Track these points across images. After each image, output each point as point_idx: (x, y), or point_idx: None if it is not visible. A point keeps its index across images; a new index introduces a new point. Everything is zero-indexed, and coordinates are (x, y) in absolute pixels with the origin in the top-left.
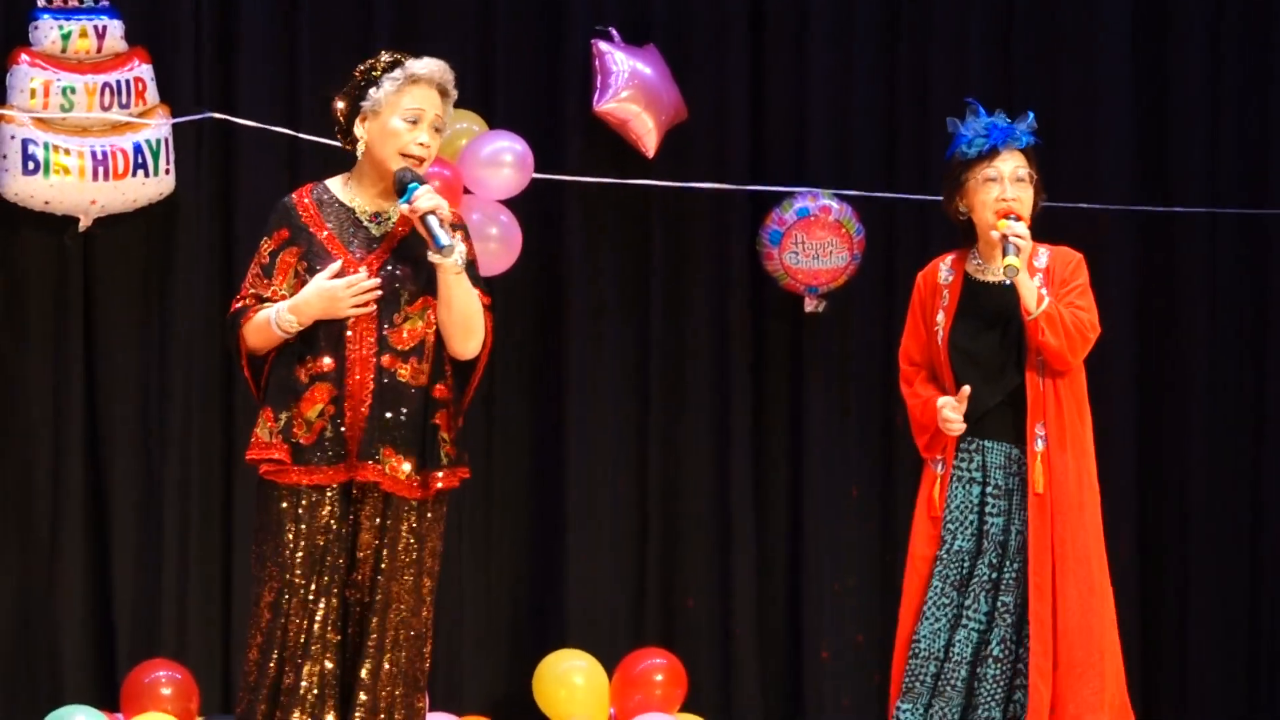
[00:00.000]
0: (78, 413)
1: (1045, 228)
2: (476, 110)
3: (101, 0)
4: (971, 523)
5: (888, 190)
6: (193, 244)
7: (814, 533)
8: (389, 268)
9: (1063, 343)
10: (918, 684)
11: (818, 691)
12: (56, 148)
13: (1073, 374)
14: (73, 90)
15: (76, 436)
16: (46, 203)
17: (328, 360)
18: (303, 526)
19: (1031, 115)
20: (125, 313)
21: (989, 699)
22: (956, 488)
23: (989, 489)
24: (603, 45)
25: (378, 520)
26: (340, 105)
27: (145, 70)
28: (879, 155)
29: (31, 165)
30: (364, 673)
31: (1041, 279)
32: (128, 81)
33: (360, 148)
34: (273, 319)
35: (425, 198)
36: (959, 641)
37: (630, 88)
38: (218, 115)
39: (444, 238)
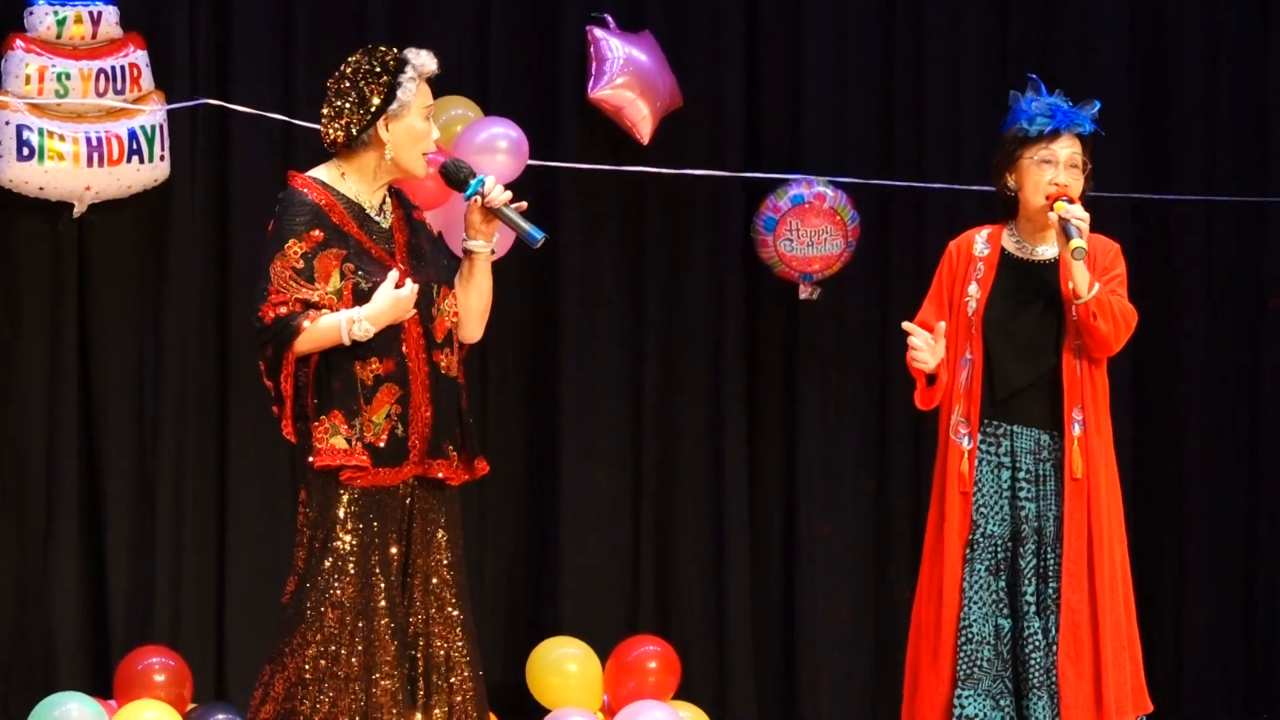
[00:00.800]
0: (72, 399)
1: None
2: (471, 97)
3: None
4: (1003, 508)
5: (883, 178)
6: (187, 230)
7: (808, 519)
8: (413, 261)
9: (1111, 330)
10: (976, 670)
11: (811, 678)
12: (51, 134)
13: (1102, 361)
14: (68, 76)
15: (71, 423)
16: (41, 189)
17: (387, 360)
18: (375, 525)
19: (1098, 104)
20: (120, 299)
21: (1054, 684)
22: (985, 470)
23: (1019, 474)
24: (598, 32)
25: (432, 513)
26: (358, 104)
27: (140, 56)
28: (874, 142)
29: (26, 151)
30: (442, 664)
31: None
32: (123, 67)
33: (387, 151)
34: (345, 327)
35: (499, 190)
36: (1036, 632)
37: (625, 74)
38: (213, 101)
39: (537, 231)
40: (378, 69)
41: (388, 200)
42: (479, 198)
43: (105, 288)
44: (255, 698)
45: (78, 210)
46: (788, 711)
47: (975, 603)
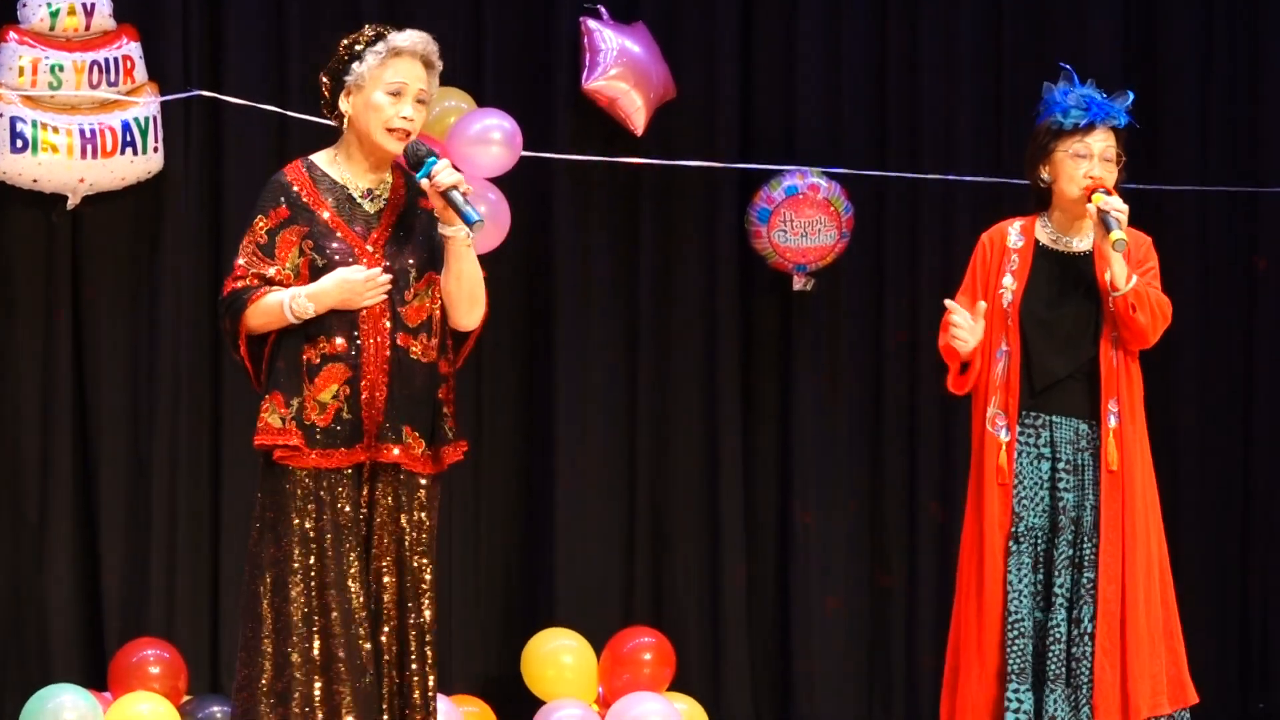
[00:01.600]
0: (66, 391)
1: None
2: (465, 88)
3: None
4: (1043, 499)
5: (877, 168)
6: (181, 222)
7: (803, 511)
8: (393, 246)
9: (1149, 322)
10: (1024, 663)
11: (806, 669)
12: (45, 125)
13: (1135, 351)
14: (61, 68)
15: (65, 415)
16: (35, 181)
17: (340, 340)
18: (324, 511)
19: (1131, 95)
20: (114, 291)
21: (1089, 677)
22: (1024, 462)
23: (1059, 464)
24: (591, 23)
25: (392, 499)
26: (325, 79)
27: (134, 48)
28: (868, 133)
29: (20, 143)
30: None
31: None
32: (116, 59)
33: (345, 122)
34: (286, 303)
35: (446, 172)
36: (1059, 622)
37: (619, 65)
38: (206, 93)
39: (473, 212)
40: (347, 44)
41: (387, 184)
42: (428, 179)
43: (99, 279)
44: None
45: (72, 202)
46: (782, 702)
47: (1024, 596)
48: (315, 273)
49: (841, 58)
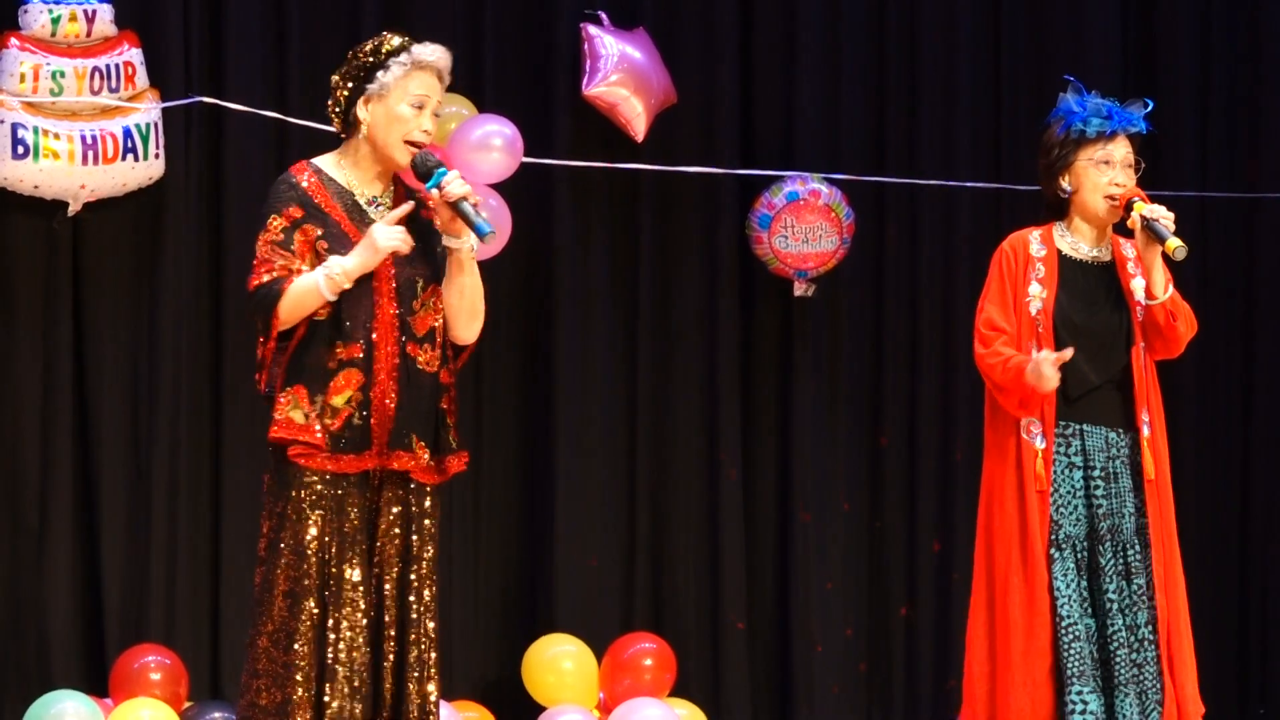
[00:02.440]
0: (66, 397)
1: (1034, 211)
2: (466, 94)
3: None
4: (1078, 507)
5: (877, 174)
6: (182, 228)
7: (803, 515)
8: (400, 255)
9: (1187, 330)
10: (1086, 666)
11: (807, 676)
12: (46, 132)
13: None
14: (62, 74)
15: (65, 421)
16: (36, 187)
17: (357, 346)
18: (331, 518)
19: (1150, 103)
20: (114, 297)
21: (1155, 680)
22: (1058, 471)
23: (1093, 473)
24: (592, 29)
25: (399, 508)
26: (343, 84)
27: (135, 54)
28: (868, 139)
29: (21, 149)
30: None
31: (1134, 265)
32: (117, 66)
33: (362, 130)
34: (320, 279)
35: (457, 183)
36: (1119, 628)
37: (619, 71)
38: (207, 99)
39: (486, 224)
40: (370, 50)
41: (390, 193)
42: (438, 190)
43: (100, 286)
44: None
45: (73, 208)
46: (782, 708)
47: (1074, 600)
48: None
49: (842, 64)
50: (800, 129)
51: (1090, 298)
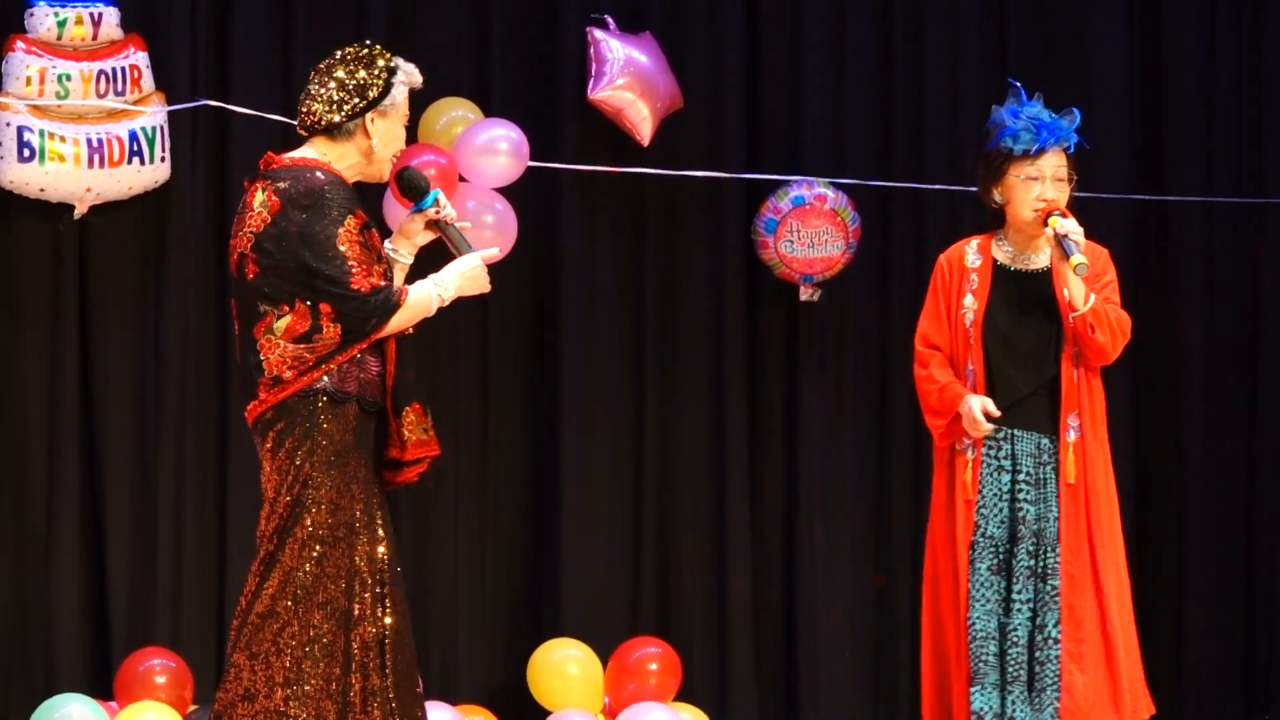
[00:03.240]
0: (73, 400)
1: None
2: (472, 98)
3: None
4: (1002, 510)
5: (883, 179)
6: (187, 231)
7: (809, 521)
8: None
9: (1109, 340)
10: (983, 666)
11: (812, 680)
12: (52, 135)
13: (1097, 367)
14: (68, 77)
15: (71, 424)
16: (42, 190)
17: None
18: (382, 511)
19: (1078, 114)
20: (120, 300)
21: (1054, 680)
22: (986, 474)
23: (1020, 477)
24: (598, 33)
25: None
26: (354, 93)
27: (141, 57)
28: (875, 144)
29: (27, 152)
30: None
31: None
32: (123, 69)
33: (367, 142)
34: (434, 294)
35: (449, 206)
36: (1018, 627)
37: (625, 75)
38: (213, 103)
39: (468, 247)
40: (379, 62)
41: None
42: (435, 210)
43: (106, 289)
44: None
45: (78, 211)
46: (788, 713)
47: (979, 601)
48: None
49: (848, 68)
50: (806, 133)
51: (1021, 307)
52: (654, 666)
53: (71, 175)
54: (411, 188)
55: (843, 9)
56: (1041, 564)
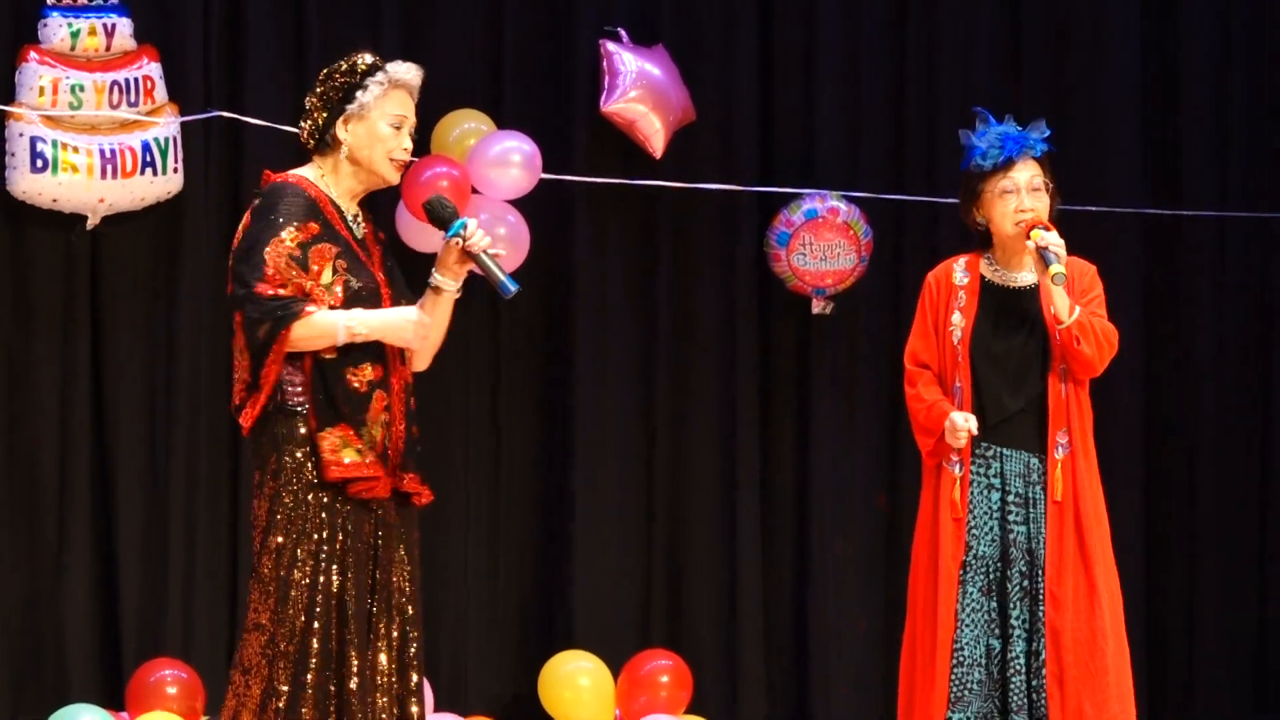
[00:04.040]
0: (84, 411)
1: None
2: (485, 110)
3: None
4: (992, 529)
5: (896, 192)
6: (200, 243)
7: (821, 533)
8: (388, 276)
9: (1094, 352)
10: (966, 692)
11: (824, 692)
12: (65, 145)
13: (1085, 384)
14: (81, 88)
15: (83, 435)
16: (54, 200)
17: (377, 366)
18: (351, 539)
19: (1044, 122)
20: (132, 311)
21: (1042, 705)
22: (975, 493)
23: (1009, 496)
24: (611, 45)
25: (396, 529)
26: (317, 104)
27: (154, 68)
28: (887, 157)
29: (40, 163)
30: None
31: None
32: (136, 80)
33: (343, 151)
34: (342, 327)
35: (480, 234)
36: (1018, 654)
37: (638, 88)
38: (226, 114)
39: (510, 282)
40: (345, 70)
41: (360, 213)
42: (460, 239)
43: (118, 300)
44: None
45: (91, 222)
46: None
47: (967, 624)
48: (349, 292)
49: (861, 81)
50: (819, 146)
51: (1008, 324)
52: (665, 679)
53: (84, 186)
54: (435, 216)
55: (856, 22)
56: (1034, 586)
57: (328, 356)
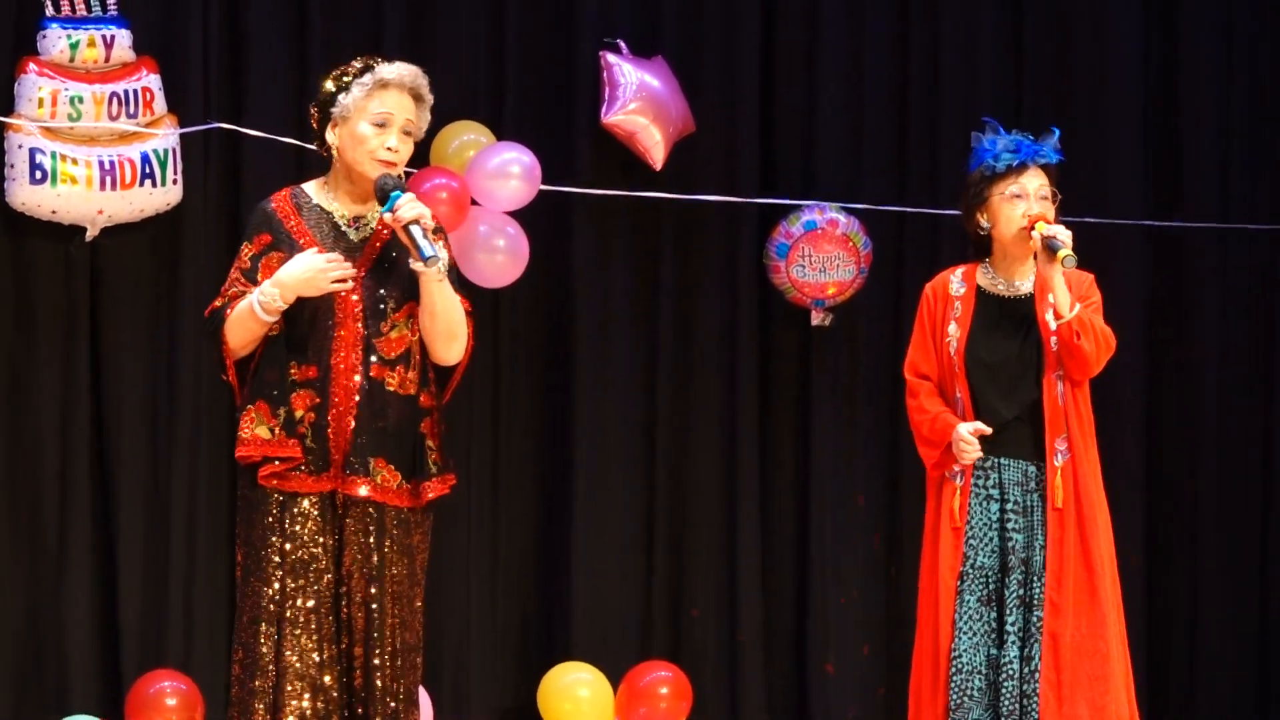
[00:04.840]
0: (85, 422)
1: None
2: (485, 122)
3: (110, 9)
4: (992, 539)
5: (895, 204)
6: (199, 254)
7: (820, 545)
8: (374, 275)
9: (1094, 349)
10: (966, 699)
11: (823, 704)
12: (64, 157)
13: (1084, 387)
14: (80, 100)
15: (83, 446)
16: (54, 212)
17: (313, 368)
18: (287, 542)
19: (1057, 132)
20: (132, 323)
21: (1034, 712)
22: (975, 504)
23: (1008, 505)
24: (611, 57)
25: (366, 534)
26: (314, 112)
27: (153, 80)
28: (887, 169)
29: (39, 174)
30: (365, 689)
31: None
32: (135, 91)
33: (334, 154)
34: (254, 299)
35: (408, 207)
36: (1011, 659)
37: (638, 100)
38: (225, 125)
39: (428, 248)
40: (336, 76)
41: (375, 213)
42: (390, 214)
43: (118, 311)
44: None
45: (90, 234)
46: None
47: (965, 633)
48: (296, 301)
49: (862, 92)
50: (819, 158)
51: (1003, 332)
52: (665, 690)
53: (83, 197)
54: (379, 195)
55: (858, 33)
56: (1029, 593)
57: (274, 353)
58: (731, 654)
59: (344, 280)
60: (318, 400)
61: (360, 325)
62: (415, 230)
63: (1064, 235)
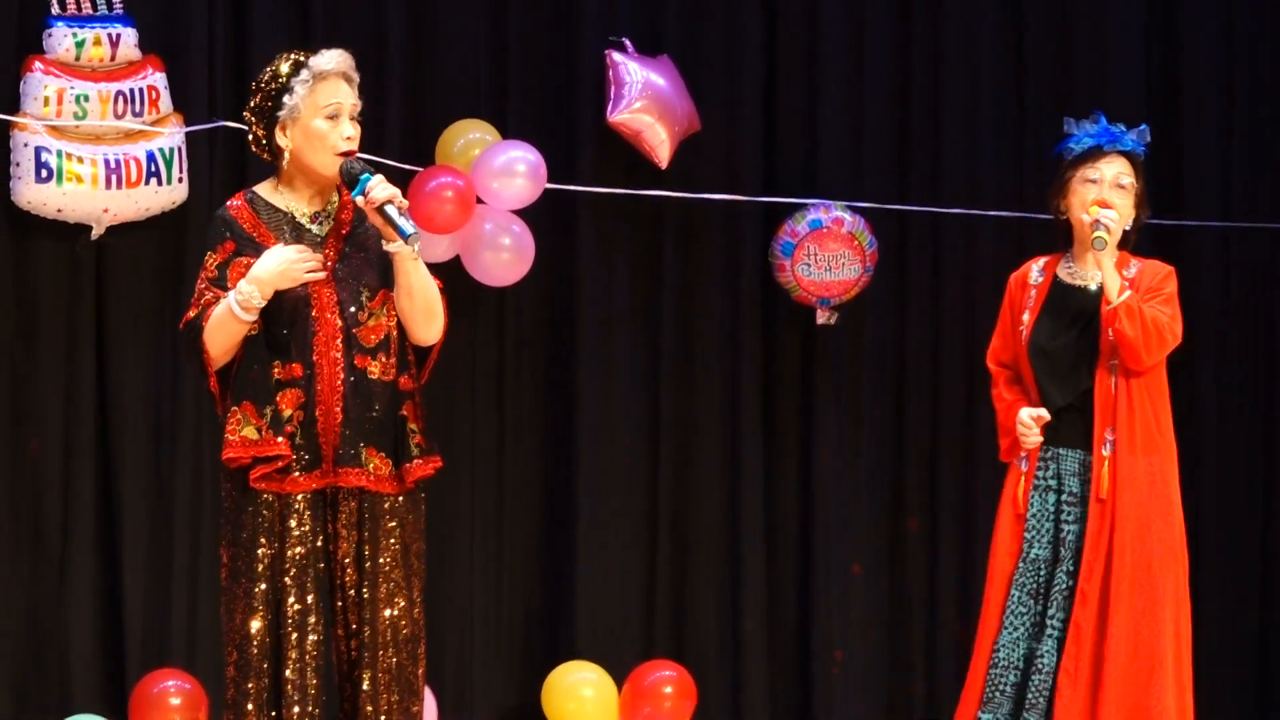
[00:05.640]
0: (89, 421)
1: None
2: (490, 120)
3: (116, 8)
4: (1048, 530)
5: (900, 202)
6: (205, 252)
7: (824, 544)
8: (346, 266)
9: (1139, 335)
10: (998, 694)
11: (828, 704)
12: (69, 155)
13: (1151, 378)
14: (86, 98)
15: (88, 445)
16: (59, 211)
17: (297, 366)
18: (279, 542)
19: (1145, 126)
20: (137, 322)
21: (1051, 704)
22: (1034, 495)
23: (1064, 496)
24: (616, 56)
25: (357, 525)
26: (252, 119)
27: (159, 78)
28: (892, 167)
29: (44, 173)
30: (364, 683)
31: (1125, 284)
32: (141, 90)
33: (286, 156)
34: (230, 300)
35: (380, 188)
36: (1046, 653)
37: (644, 98)
38: (231, 124)
39: (407, 225)
40: (269, 77)
41: (334, 204)
42: (362, 197)
43: (123, 310)
44: None
45: (96, 232)
46: None
47: (1008, 627)
48: (271, 301)
49: (865, 91)
50: (823, 157)
51: (1065, 322)
52: (669, 690)
53: (89, 196)
54: (346, 180)
55: (861, 33)
56: (1076, 584)
57: (256, 354)
58: (735, 654)
59: (315, 270)
60: (304, 398)
61: (338, 318)
62: (390, 210)
63: (1109, 218)
